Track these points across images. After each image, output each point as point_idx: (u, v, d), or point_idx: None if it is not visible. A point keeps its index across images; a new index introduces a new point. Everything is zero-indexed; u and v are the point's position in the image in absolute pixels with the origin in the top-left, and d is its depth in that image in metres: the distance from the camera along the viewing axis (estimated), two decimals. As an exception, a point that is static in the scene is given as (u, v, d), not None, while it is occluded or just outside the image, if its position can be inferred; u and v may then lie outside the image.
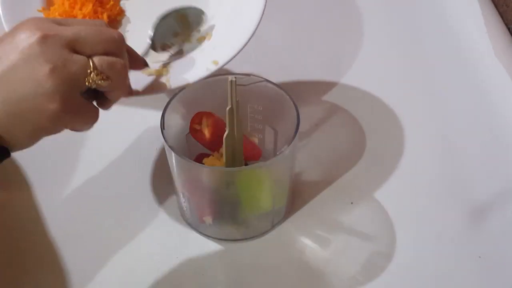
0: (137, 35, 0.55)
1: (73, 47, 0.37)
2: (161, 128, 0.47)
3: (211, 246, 0.51)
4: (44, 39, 0.36)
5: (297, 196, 0.54)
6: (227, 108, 0.46)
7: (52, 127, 0.38)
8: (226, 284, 0.49)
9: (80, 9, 0.50)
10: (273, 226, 0.52)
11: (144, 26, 0.53)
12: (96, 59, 0.38)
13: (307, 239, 0.52)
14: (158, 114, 0.47)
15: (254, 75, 0.50)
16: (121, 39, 0.41)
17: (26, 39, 0.36)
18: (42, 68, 0.35)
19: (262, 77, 0.50)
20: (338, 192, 0.55)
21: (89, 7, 0.50)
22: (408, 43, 0.72)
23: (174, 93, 0.49)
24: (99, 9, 0.52)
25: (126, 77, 0.42)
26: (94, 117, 0.41)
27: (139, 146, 0.60)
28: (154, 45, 0.52)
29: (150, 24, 0.53)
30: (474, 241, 0.51)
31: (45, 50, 0.36)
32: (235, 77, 0.45)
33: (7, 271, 0.49)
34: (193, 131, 0.50)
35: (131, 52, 0.44)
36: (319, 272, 0.49)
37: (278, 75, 0.67)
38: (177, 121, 0.49)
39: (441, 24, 0.74)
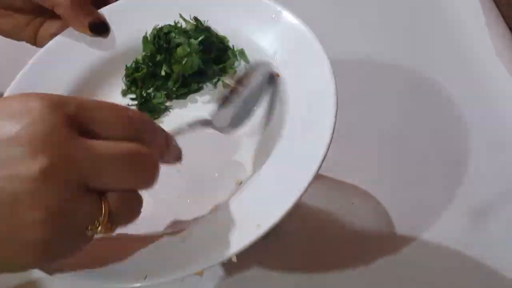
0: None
1: (87, 180, 0.26)
2: (161, 128, 0.46)
3: (211, 246, 0.51)
4: (48, 175, 0.24)
5: (297, 196, 0.54)
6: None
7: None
8: (226, 284, 0.49)
9: None
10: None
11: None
12: (112, 202, 0.27)
13: (307, 239, 0.52)
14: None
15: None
16: (154, 159, 0.29)
17: (25, 163, 0.23)
18: (33, 214, 0.24)
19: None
20: (338, 192, 0.55)
21: None
22: (408, 42, 0.72)
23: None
24: None
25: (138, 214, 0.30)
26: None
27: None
28: None
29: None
30: (474, 241, 0.51)
31: (44, 189, 0.24)
32: (235, 78, 0.45)
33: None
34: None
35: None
36: (320, 272, 0.49)
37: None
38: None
39: (441, 23, 0.74)
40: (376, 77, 0.68)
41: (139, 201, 0.29)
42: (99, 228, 0.26)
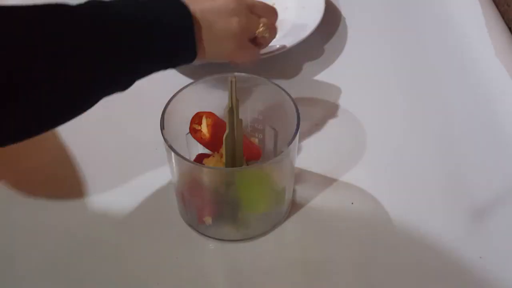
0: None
1: (251, 10, 0.56)
2: (160, 128, 0.46)
3: (211, 246, 0.51)
4: (236, 2, 0.54)
5: (297, 196, 0.54)
6: (227, 108, 0.45)
7: (229, 54, 0.55)
8: (226, 285, 0.49)
9: None
10: (273, 226, 0.52)
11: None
12: (264, 20, 0.57)
13: (307, 239, 0.52)
14: (158, 114, 0.47)
15: (254, 75, 0.50)
16: (277, 14, 0.60)
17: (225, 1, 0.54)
18: (233, 19, 0.53)
19: (262, 77, 0.50)
20: (338, 192, 0.55)
21: None
22: (409, 42, 0.72)
23: (174, 93, 0.49)
24: None
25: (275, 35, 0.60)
26: (255, 55, 0.59)
27: (138, 146, 0.60)
28: None
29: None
30: (475, 241, 0.51)
31: (236, 8, 0.54)
32: (235, 77, 0.44)
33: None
34: (193, 131, 0.49)
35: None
36: (319, 272, 0.49)
37: (278, 75, 0.67)
38: (177, 121, 0.49)
39: (442, 23, 0.74)
40: (377, 76, 0.68)
41: (275, 29, 0.59)
42: (262, 29, 0.57)
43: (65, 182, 0.56)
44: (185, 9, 0.49)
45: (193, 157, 0.52)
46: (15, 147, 0.43)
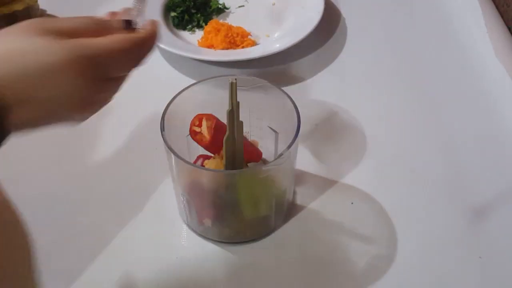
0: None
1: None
2: (161, 129, 0.46)
3: (211, 248, 0.51)
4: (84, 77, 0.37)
5: (297, 197, 0.54)
6: (228, 110, 0.45)
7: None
8: (226, 286, 0.49)
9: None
10: (273, 228, 0.52)
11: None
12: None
13: (307, 240, 0.52)
14: (159, 115, 0.47)
15: (254, 77, 0.50)
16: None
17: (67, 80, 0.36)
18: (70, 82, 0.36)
19: (262, 79, 0.50)
20: (338, 192, 0.55)
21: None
22: (409, 43, 0.72)
23: (174, 95, 0.49)
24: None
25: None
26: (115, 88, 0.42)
27: (139, 147, 0.60)
28: None
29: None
30: (474, 241, 0.51)
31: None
32: (236, 79, 0.44)
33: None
34: (193, 133, 0.49)
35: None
36: (319, 272, 0.49)
37: (278, 76, 0.67)
38: (177, 123, 0.49)
39: (441, 24, 0.74)
40: (377, 77, 0.68)
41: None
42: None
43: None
44: None
45: (193, 159, 0.52)
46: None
